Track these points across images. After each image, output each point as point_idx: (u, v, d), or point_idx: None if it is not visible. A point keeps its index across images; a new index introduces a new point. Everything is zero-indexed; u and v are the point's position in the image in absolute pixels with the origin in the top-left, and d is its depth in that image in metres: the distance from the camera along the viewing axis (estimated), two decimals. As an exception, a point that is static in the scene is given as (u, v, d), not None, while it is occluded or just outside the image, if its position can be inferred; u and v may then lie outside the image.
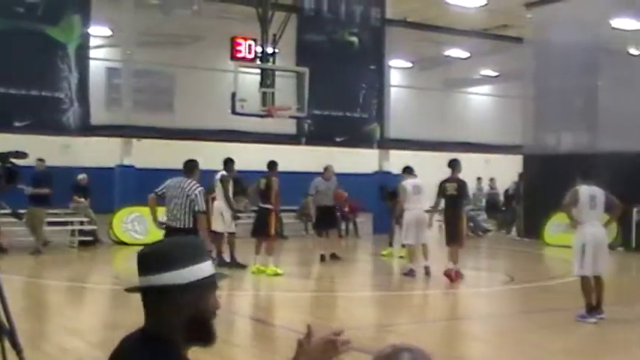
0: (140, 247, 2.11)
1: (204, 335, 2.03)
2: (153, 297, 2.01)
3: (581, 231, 8.95)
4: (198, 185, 8.55)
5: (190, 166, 8.78)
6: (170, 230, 8.47)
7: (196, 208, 8.39)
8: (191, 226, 8.39)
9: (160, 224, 8.88)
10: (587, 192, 8.96)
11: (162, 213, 9.05)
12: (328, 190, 14.95)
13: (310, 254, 17.55)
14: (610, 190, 9.40)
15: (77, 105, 17.23)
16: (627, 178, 16.40)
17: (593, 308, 8.85)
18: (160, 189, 8.72)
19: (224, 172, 13.46)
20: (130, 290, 2.09)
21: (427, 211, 12.89)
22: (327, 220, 14.97)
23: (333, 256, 14.82)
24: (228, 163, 13.57)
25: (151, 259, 2.01)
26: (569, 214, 9.12)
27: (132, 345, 2.06)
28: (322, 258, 14.69)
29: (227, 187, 13.31)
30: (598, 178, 9.44)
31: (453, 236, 12.33)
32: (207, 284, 2.03)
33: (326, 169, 15.16)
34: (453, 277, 12.07)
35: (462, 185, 12.42)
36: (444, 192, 12.41)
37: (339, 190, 15.80)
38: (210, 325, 2.03)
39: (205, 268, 2.02)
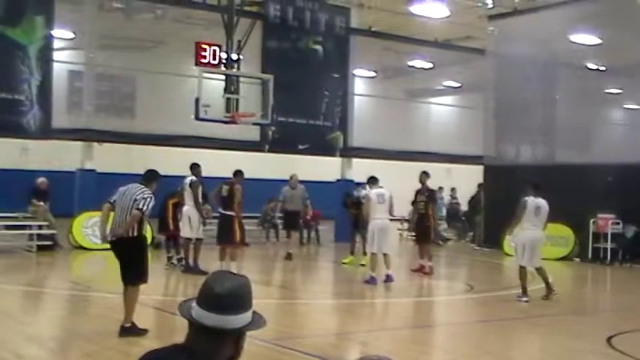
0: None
1: (238, 354, 2.38)
2: (219, 333, 2.27)
3: (524, 233, 11.15)
4: (149, 192, 8.04)
5: (148, 177, 8.30)
6: (113, 242, 8.07)
7: (136, 205, 7.84)
8: (135, 234, 7.95)
9: (104, 239, 8.27)
10: (534, 203, 11.10)
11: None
12: (293, 197, 16.77)
13: (272, 261, 17.57)
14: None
15: (38, 107, 16.99)
16: (584, 190, 16.76)
17: (525, 290, 11.14)
18: (113, 198, 8.16)
19: (193, 177, 13.37)
20: (203, 326, 2.28)
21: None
22: (291, 223, 16.97)
23: (289, 256, 16.27)
24: (196, 167, 13.49)
25: (231, 299, 2.28)
26: (517, 223, 11.13)
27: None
28: (289, 256, 16.34)
29: (197, 193, 13.24)
30: (545, 191, 11.33)
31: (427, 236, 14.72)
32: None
33: (291, 177, 17.00)
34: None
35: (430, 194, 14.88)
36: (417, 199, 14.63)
37: (308, 209, 17.61)
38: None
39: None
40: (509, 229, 11.45)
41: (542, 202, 11.15)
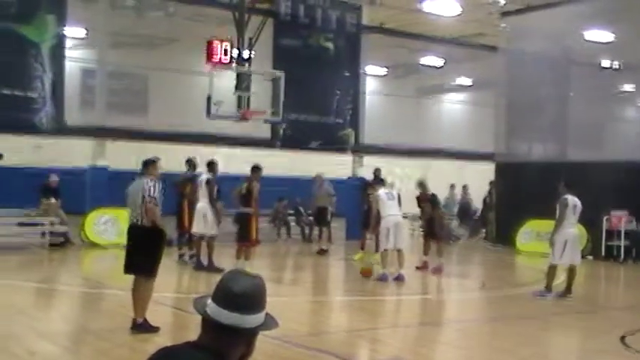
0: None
1: (249, 354, 2.39)
2: (233, 331, 2.28)
3: (565, 231, 11.20)
4: (151, 178, 8.16)
5: (143, 164, 8.37)
6: (130, 228, 8.21)
7: (143, 194, 7.98)
8: (144, 223, 8.03)
9: None
10: (572, 201, 11.30)
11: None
12: (318, 194, 17.61)
13: (283, 259, 17.58)
14: (579, 200, 11.21)
15: (50, 105, 17.07)
16: (596, 188, 16.65)
17: (550, 289, 11.28)
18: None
19: (209, 175, 13.39)
20: (218, 324, 2.28)
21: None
22: (320, 219, 17.68)
23: (321, 251, 17.00)
24: (213, 165, 13.49)
25: (248, 299, 2.29)
26: (562, 221, 11.18)
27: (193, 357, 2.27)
28: (321, 251, 17.07)
29: (213, 190, 13.25)
30: (578, 189, 11.55)
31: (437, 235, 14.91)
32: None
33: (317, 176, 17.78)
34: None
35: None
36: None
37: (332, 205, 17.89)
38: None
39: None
40: (554, 230, 11.29)
41: (578, 200, 11.34)
